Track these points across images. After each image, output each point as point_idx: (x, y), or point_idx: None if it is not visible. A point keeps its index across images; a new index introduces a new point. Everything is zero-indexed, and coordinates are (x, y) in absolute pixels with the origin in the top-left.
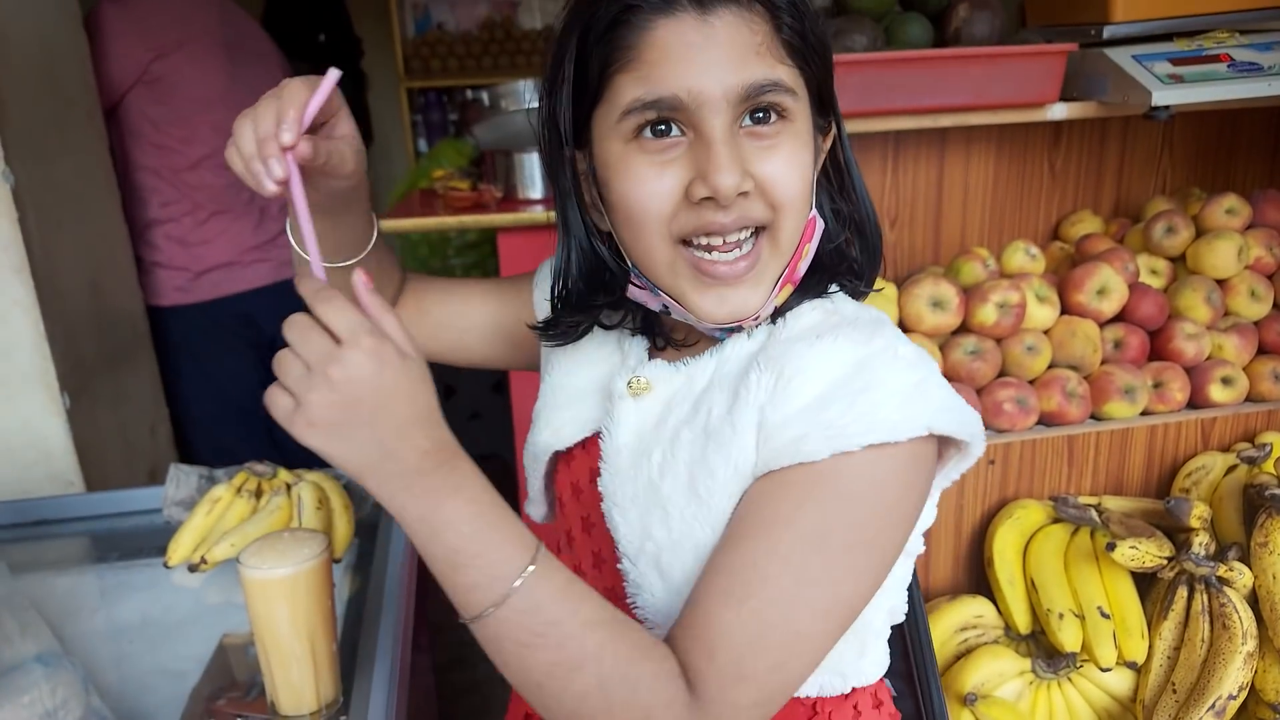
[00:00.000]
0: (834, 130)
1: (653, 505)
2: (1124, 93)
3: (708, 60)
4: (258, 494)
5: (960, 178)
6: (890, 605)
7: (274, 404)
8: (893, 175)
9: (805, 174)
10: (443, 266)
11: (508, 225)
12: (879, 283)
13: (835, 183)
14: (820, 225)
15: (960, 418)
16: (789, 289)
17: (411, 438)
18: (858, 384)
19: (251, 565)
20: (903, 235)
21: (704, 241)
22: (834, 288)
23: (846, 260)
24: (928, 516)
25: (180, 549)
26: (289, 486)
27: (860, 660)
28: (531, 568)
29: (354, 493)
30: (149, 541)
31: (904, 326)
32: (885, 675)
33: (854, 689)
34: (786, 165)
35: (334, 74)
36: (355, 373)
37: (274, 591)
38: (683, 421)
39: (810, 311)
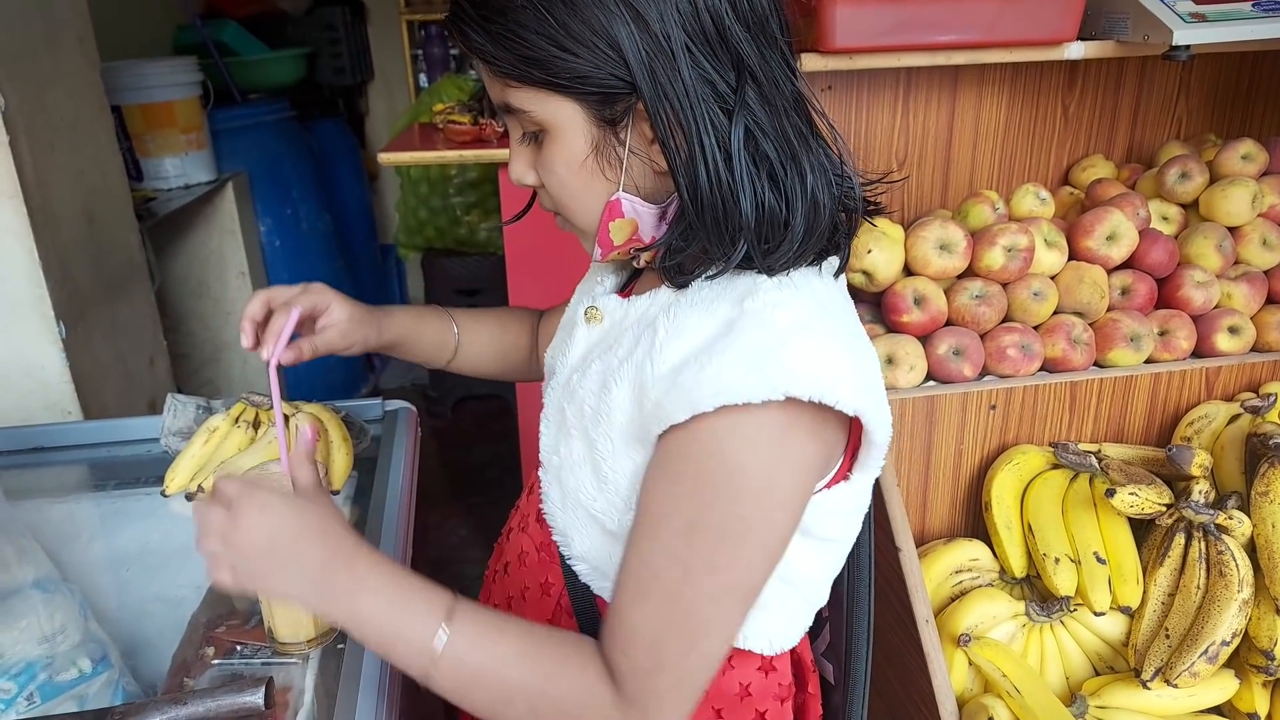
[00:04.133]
0: (649, 117)
1: (563, 425)
2: (1144, 31)
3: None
4: (255, 424)
5: (971, 118)
6: (784, 575)
7: (217, 582)
8: (903, 115)
9: (564, 176)
10: (443, 205)
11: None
12: (886, 225)
13: (679, 164)
14: (629, 205)
15: (836, 389)
16: (640, 252)
17: (306, 552)
18: (718, 345)
19: None
20: (911, 176)
21: None
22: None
23: (706, 244)
24: (852, 500)
25: (177, 478)
26: (287, 418)
27: None
28: (443, 633)
29: (353, 425)
30: (147, 470)
31: (910, 270)
32: (826, 654)
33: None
34: (547, 171)
35: (294, 314)
36: (244, 522)
37: None
38: (596, 355)
39: (707, 287)
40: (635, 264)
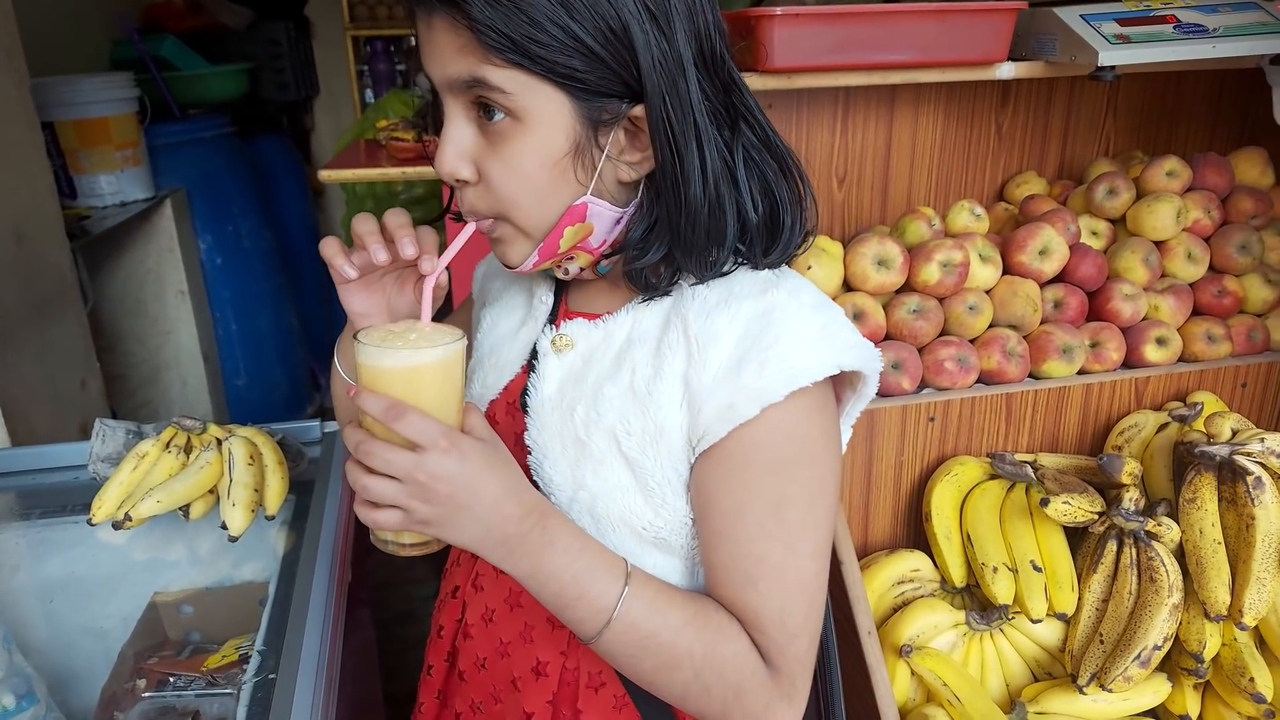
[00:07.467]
0: (649, 124)
1: (583, 457)
2: (1071, 52)
3: (429, 52)
4: (187, 449)
5: (908, 137)
6: None
7: (377, 520)
8: (842, 134)
9: (533, 173)
10: None
11: None
12: (825, 242)
13: (668, 168)
14: (594, 209)
15: (865, 354)
16: (574, 260)
17: (503, 510)
18: (766, 339)
19: (388, 346)
20: (850, 194)
21: None
22: (729, 266)
23: (690, 248)
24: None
25: (105, 505)
26: (220, 442)
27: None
28: (622, 598)
29: (289, 449)
30: (74, 498)
31: (849, 285)
32: None
33: None
34: (505, 167)
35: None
36: (442, 472)
37: (425, 376)
38: (605, 377)
39: (707, 290)
40: (560, 274)
